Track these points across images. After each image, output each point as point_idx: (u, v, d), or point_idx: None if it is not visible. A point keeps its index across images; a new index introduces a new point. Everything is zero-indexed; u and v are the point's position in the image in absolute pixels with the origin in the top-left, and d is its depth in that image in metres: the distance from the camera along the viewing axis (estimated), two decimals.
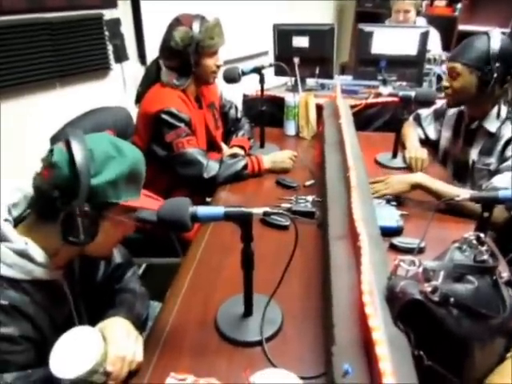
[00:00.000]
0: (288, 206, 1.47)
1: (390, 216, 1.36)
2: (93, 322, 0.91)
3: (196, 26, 1.59)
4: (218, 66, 1.71)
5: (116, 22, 2.53)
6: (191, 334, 0.99)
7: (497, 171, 1.49)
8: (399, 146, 1.85)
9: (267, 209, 0.87)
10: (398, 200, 1.49)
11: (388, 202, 1.49)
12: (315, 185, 1.64)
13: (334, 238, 1.06)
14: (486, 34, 1.51)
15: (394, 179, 1.53)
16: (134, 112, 1.84)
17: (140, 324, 1.00)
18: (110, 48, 2.51)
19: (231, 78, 1.79)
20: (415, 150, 1.77)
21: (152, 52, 2.56)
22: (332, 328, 0.79)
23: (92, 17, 2.38)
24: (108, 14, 2.47)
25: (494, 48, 1.45)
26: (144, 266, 2.07)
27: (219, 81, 1.83)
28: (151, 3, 2.65)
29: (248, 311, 0.99)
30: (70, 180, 0.79)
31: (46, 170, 0.81)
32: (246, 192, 1.66)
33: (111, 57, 2.53)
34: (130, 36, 2.67)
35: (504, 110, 1.53)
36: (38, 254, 0.83)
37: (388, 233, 1.29)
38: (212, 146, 1.88)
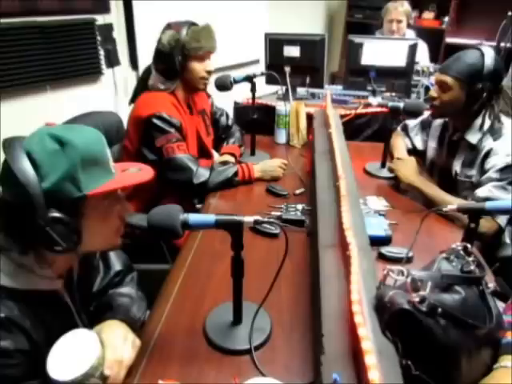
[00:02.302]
0: (278, 214, 1.47)
1: (379, 225, 1.37)
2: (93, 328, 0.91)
3: (183, 30, 1.61)
4: (209, 72, 1.71)
5: (108, 27, 2.53)
6: (180, 342, 0.99)
7: (479, 183, 1.52)
8: (388, 155, 1.87)
9: (258, 217, 0.88)
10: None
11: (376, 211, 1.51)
12: (305, 193, 1.65)
13: (324, 247, 1.06)
14: (479, 49, 1.53)
15: (404, 163, 1.68)
16: (124, 117, 1.84)
17: (137, 327, 0.99)
18: (101, 53, 2.51)
19: (223, 85, 1.80)
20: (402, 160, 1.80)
21: (144, 58, 2.57)
22: (321, 337, 0.79)
23: (84, 21, 2.38)
24: (100, 19, 2.47)
25: (487, 65, 1.48)
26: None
27: (210, 88, 1.84)
28: (144, 9, 2.66)
29: (237, 319, 0.99)
30: (20, 195, 0.74)
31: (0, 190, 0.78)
32: (236, 199, 1.66)
33: (103, 61, 2.53)
34: (122, 41, 2.68)
35: (487, 123, 1.56)
36: (37, 264, 0.82)
37: (376, 242, 1.30)
38: (203, 153, 1.88)
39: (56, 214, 0.76)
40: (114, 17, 2.57)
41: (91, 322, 0.95)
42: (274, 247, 1.32)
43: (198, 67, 1.67)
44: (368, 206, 1.53)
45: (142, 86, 1.73)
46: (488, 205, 0.99)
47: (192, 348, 0.97)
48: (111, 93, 2.65)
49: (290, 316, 1.06)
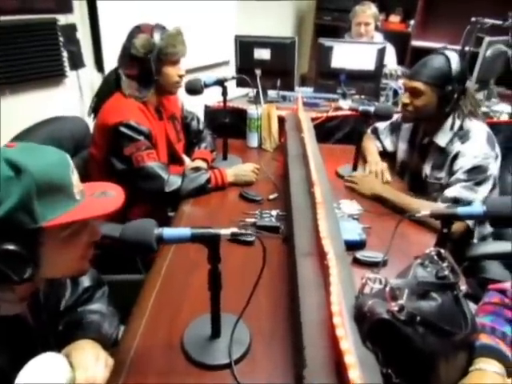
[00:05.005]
0: (252, 220, 1.46)
1: (353, 229, 1.38)
2: (62, 349, 0.86)
3: (157, 34, 1.58)
4: (181, 76, 1.69)
5: (71, 28, 2.44)
6: (157, 358, 0.96)
7: (448, 185, 1.57)
8: (360, 158, 1.90)
9: (235, 229, 0.86)
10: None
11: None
12: (279, 198, 1.65)
13: (301, 256, 1.06)
14: (443, 54, 1.58)
15: (364, 182, 1.72)
16: (91, 121, 1.78)
17: (110, 345, 0.96)
18: (65, 54, 2.41)
19: (194, 89, 1.77)
20: (375, 164, 1.83)
21: (110, 59, 2.50)
22: (303, 350, 0.78)
23: (45, 21, 2.28)
24: (63, 19, 2.38)
25: (454, 68, 1.53)
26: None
27: (180, 91, 1.81)
28: (109, 9, 2.58)
29: (216, 333, 0.97)
30: None
31: None
32: (209, 206, 1.64)
33: (66, 63, 2.43)
34: (87, 42, 2.58)
35: (457, 124, 1.61)
36: None
37: (351, 246, 1.31)
38: (174, 159, 1.84)
39: (7, 247, 0.69)
40: (78, 17, 2.48)
41: (60, 343, 0.90)
42: (250, 255, 1.30)
43: (172, 72, 1.65)
44: (341, 209, 1.54)
45: (108, 90, 1.67)
46: (460, 210, 1.02)
47: (170, 364, 0.94)
48: (76, 96, 2.56)
49: (269, 326, 1.05)
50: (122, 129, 1.54)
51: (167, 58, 1.61)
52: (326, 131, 2.25)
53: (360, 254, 1.30)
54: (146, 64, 1.58)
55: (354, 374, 0.63)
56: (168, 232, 0.84)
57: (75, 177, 0.78)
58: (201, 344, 0.97)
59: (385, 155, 1.98)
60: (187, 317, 1.06)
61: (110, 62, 2.27)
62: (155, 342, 1.00)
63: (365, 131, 2.00)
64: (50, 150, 0.78)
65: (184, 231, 0.85)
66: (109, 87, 1.69)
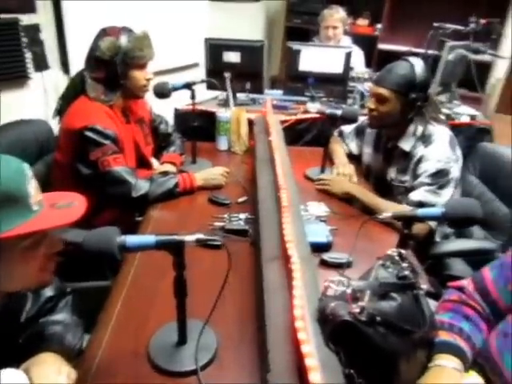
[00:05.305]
0: (221, 224, 1.46)
1: (320, 232, 1.40)
2: (23, 363, 0.84)
3: (123, 37, 1.56)
4: (148, 80, 1.67)
5: (35, 28, 2.38)
6: (122, 367, 0.95)
7: (412, 188, 1.62)
8: (328, 160, 1.93)
9: (200, 235, 0.86)
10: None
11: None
12: (248, 201, 1.65)
13: (267, 260, 1.07)
14: (408, 61, 1.62)
15: (336, 181, 1.75)
16: (56, 125, 1.73)
17: (74, 356, 0.93)
18: (28, 56, 2.35)
19: (162, 93, 1.76)
20: (343, 166, 1.87)
21: (76, 61, 2.44)
22: (267, 354, 0.79)
23: (6, 21, 2.21)
24: (26, 19, 2.31)
25: (418, 75, 1.57)
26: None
27: (148, 95, 1.79)
28: (75, 9, 2.52)
29: (182, 339, 0.97)
30: None
31: None
32: (178, 210, 1.62)
33: (30, 65, 2.37)
34: (52, 43, 2.52)
35: (420, 129, 1.66)
36: None
37: (318, 248, 1.33)
38: (142, 163, 1.82)
39: None
40: (42, 17, 2.42)
41: (21, 357, 0.88)
42: (218, 258, 1.29)
43: (139, 75, 1.63)
44: (309, 212, 1.56)
45: (73, 93, 1.64)
46: (419, 212, 1.05)
47: (136, 373, 0.93)
48: (41, 99, 2.49)
49: (237, 330, 1.05)
50: (88, 133, 1.51)
51: (134, 62, 1.59)
52: (296, 133, 2.28)
53: (327, 256, 1.32)
54: (112, 67, 1.56)
55: (314, 376, 0.64)
56: (131, 240, 0.83)
57: (33, 186, 0.76)
58: (167, 351, 0.96)
59: (351, 158, 2.02)
60: (154, 324, 1.05)
61: (77, 63, 2.23)
62: (121, 351, 0.98)
63: (332, 134, 2.04)
64: (7, 158, 0.76)
65: (148, 239, 0.84)
66: (75, 90, 1.65)
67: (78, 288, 1.76)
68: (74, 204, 0.82)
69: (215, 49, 2.40)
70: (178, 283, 0.88)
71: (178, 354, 0.96)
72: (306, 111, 2.30)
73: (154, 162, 1.95)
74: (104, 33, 1.57)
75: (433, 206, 1.52)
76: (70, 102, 1.63)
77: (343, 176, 1.81)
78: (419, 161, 1.62)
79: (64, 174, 1.62)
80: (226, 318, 1.07)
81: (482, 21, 2.65)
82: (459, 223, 1.11)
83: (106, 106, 1.61)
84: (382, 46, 4.18)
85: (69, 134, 1.55)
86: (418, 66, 1.59)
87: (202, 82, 1.87)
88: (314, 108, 2.22)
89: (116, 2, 2.69)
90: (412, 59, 1.61)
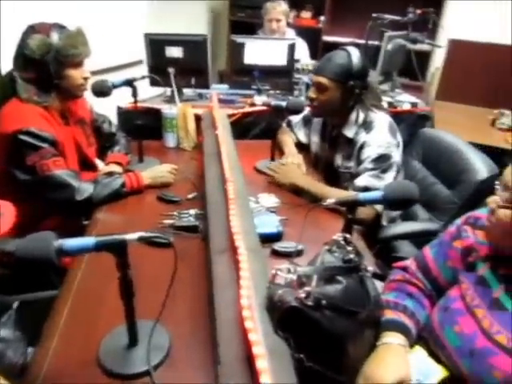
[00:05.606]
0: (171, 221, 1.44)
1: (270, 222, 1.42)
2: None
3: (54, 34, 1.48)
4: (85, 78, 1.61)
5: None
6: (71, 376, 0.91)
7: (357, 174, 1.67)
8: (278, 151, 1.95)
9: (143, 233, 0.84)
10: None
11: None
12: (198, 197, 1.64)
13: (216, 252, 1.07)
14: (345, 50, 1.66)
15: (284, 171, 1.75)
16: None
17: (15, 374, 0.89)
18: None
19: (101, 91, 1.70)
20: (292, 156, 1.89)
21: (6, 60, 2.30)
22: (217, 347, 0.79)
23: None
24: None
25: (355, 63, 1.62)
26: (16, 304, 1.84)
27: (89, 94, 1.73)
28: (4, 5, 2.37)
29: (133, 341, 0.95)
30: None
31: None
32: (126, 210, 1.58)
33: None
34: None
35: (361, 116, 1.71)
36: None
37: (269, 239, 1.35)
38: (86, 165, 1.75)
39: None
40: None
41: None
42: (170, 257, 1.27)
43: (75, 74, 1.56)
44: (260, 203, 1.57)
45: (2, 95, 1.55)
46: (361, 196, 1.08)
47: (86, 380, 0.90)
48: None
49: (190, 326, 1.04)
50: (22, 137, 1.43)
51: (68, 60, 1.52)
52: (244, 127, 2.28)
53: (278, 246, 1.34)
54: (44, 67, 1.48)
55: (261, 363, 0.65)
56: (69, 243, 0.80)
57: None
58: (118, 355, 0.94)
59: (301, 147, 2.05)
60: (104, 328, 1.02)
61: (6, 62, 2.10)
62: (69, 359, 0.95)
63: (280, 125, 2.07)
64: None
65: (87, 241, 0.81)
66: (4, 91, 1.56)
67: (25, 300, 1.70)
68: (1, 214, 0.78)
69: (156, 44, 2.35)
70: (124, 284, 0.86)
71: (130, 356, 0.94)
72: (253, 104, 2.31)
73: (99, 163, 1.89)
74: (32, 30, 1.48)
75: (377, 190, 1.57)
76: (0, 105, 1.54)
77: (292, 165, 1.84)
78: (362, 147, 1.68)
79: None
80: (178, 315, 1.06)
81: (418, 11, 2.75)
82: (398, 205, 1.16)
83: (40, 107, 1.53)
84: (327, 38, 4.26)
85: (1, 139, 1.47)
86: (355, 55, 1.64)
87: (143, 78, 1.82)
88: (260, 101, 2.24)
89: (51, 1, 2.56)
90: (349, 48, 1.66)
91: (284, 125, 2.14)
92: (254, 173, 1.89)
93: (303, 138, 2.09)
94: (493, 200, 0.91)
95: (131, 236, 0.83)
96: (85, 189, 1.52)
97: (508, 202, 0.87)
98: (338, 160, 1.81)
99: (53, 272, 1.46)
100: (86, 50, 1.57)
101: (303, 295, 0.80)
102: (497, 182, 0.93)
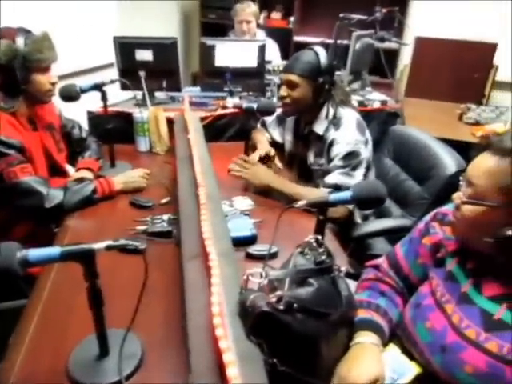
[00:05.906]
0: (143, 227, 1.42)
1: (244, 226, 1.41)
2: None
3: (20, 39, 1.45)
4: (53, 84, 1.58)
5: None
6: None
7: (328, 171, 1.68)
8: (252, 152, 1.95)
9: (110, 242, 0.83)
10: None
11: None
12: (171, 202, 1.62)
13: (188, 258, 1.06)
14: (312, 49, 1.71)
15: (253, 171, 1.70)
16: None
17: None
18: None
19: (69, 96, 1.67)
20: (263, 149, 1.93)
21: None
22: (188, 355, 0.78)
23: None
24: None
25: (322, 61, 1.67)
26: None
27: (57, 99, 1.69)
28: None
29: (104, 351, 0.93)
30: None
31: None
32: (97, 217, 1.55)
33: None
34: None
35: (331, 112, 1.74)
36: None
37: (243, 242, 1.34)
38: (56, 171, 1.71)
39: None
40: None
41: None
42: (142, 264, 1.26)
43: (42, 79, 1.53)
44: (234, 206, 1.57)
45: None
46: (331, 198, 1.09)
47: None
48: None
49: (163, 334, 1.03)
50: None
51: (34, 66, 1.49)
52: (217, 130, 2.26)
53: (252, 249, 1.33)
54: (10, 72, 1.44)
55: (232, 371, 0.64)
56: (34, 254, 0.78)
57: None
58: (88, 366, 0.92)
59: (275, 146, 2.06)
60: (74, 339, 1.00)
61: None
62: (37, 372, 0.92)
63: (254, 126, 2.07)
64: None
65: (52, 251, 0.79)
66: None
67: None
68: None
69: (126, 47, 2.32)
70: (92, 294, 0.85)
71: (101, 367, 0.92)
72: (225, 107, 2.30)
73: (70, 169, 1.85)
74: None
75: (348, 187, 1.58)
76: None
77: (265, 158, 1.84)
78: (331, 144, 1.70)
79: None
80: (151, 323, 1.05)
81: (384, 10, 2.80)
82: (367, 204, 1.17)
83: (7, 113, 1.50)
84: (297, 38, 4.30)
85: None
86: (322, 53, 1.69)
87: (112, 82, 1.79)
88: (232, 103, 2.23)
89: (16, 2, 2.48)
90: (316, 48, 1.71)
91: (258, 125, 2.15)
92: (228, 176, 1.88)
93: (278, 137, 2.10)
94: (457, 196, 0.93)
95: (99, 245, 0.81)
96: (54, 196, 1.49)
97: (471, 197, 0.88)
98: (311, 157, 1.83)
99: (22, 281, 1.42)
100: (53, 55, 1.54)
101: (274, 299, 0.80)
102: (461, 178, 0.95)
